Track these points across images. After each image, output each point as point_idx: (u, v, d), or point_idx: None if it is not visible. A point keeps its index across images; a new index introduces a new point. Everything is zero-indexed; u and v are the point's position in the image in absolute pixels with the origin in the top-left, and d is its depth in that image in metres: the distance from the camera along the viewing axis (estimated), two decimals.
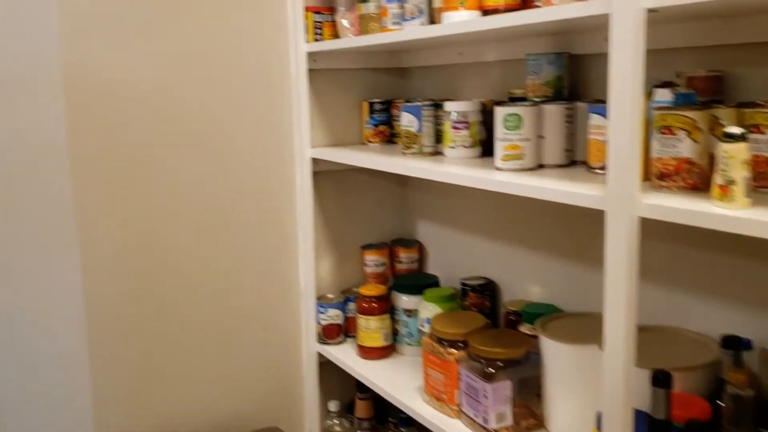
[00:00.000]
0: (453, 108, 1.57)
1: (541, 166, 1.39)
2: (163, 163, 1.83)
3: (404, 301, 1.88)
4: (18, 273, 1.81)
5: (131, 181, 1.80)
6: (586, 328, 1.41)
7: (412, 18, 1.58)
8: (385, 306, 1.89)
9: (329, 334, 2.00)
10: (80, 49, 1.69)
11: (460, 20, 1.40)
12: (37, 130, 1.74)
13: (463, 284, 1.82)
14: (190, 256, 1.90)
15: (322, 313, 2.00)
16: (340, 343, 2.01)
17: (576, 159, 1.42)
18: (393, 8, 1.64)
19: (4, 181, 1.81)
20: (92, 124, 1.74)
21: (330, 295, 2.03)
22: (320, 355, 2.02)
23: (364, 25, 1.76)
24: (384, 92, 2.06)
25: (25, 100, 1.73)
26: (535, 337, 1.46)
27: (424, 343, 1.62)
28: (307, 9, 1.90)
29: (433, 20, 1.57)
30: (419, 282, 1.91)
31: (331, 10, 1.91)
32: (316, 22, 1.91)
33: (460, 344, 1.53)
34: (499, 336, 1.52)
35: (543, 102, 1.42)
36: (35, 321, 1.81)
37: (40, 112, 1.72)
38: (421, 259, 2.10)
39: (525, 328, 1.57)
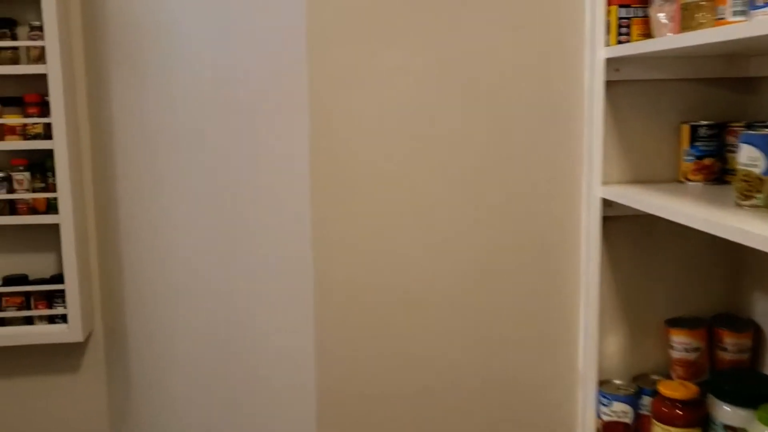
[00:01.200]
0: None
1: None
2: (413, 199, 1.58)
3: (726, 412, 1.37)
4: (253, 298, 1.72)
5: (374, 216, 1.57)
6: None
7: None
8: (695, 415, 1.40)
9: None
10: (327, 63, 1.51)
11: None
12: (281, 150, 1.62)
13: None
14: (437, 312, 1.61)
15: (604, 405, 1.57)
16: None
17: None
18: None
19: (247, 206, 1.73)
20: (335, 146, 1.55)
21: (617, 382, 1.60)
22: None
23: (688, 19, 1.30)
24: (715, 112, 1.56)
25: (270, 119, 1.62)
26: None
27: None
28: (610, 2, 1.50)
29: None
30: (752, 387, 1.38)
31: (644, 1, 1.49)
32: (621, 18, 1.50)
33: None
34: None
35: None
36: (265, 347, 1.70)
37: (284, 131, 1.59)
38: (757, 351, 1.54)
39: None
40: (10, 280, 2.01)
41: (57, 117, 1.89)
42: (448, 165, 1.57)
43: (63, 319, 2.01)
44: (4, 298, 1.99)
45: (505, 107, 1.58)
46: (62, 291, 1.98)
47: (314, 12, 1.49)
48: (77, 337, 1.99)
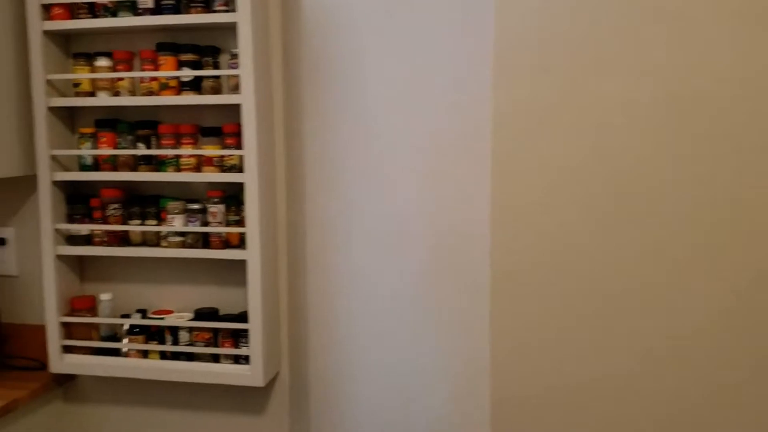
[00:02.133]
0: None
1: None
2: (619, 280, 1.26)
3: None
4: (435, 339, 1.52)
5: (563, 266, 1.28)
6: None
7: None
8: None
9: None
10: (514, 96, 1.25)
11: None
12: (462, 194, 1.40)
13: None
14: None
15: None
16: None
17: None
18: None
19: (429, 246, 1.53)
20: (518, 187, 1.28)
21: None
22: None
23: None
24: None
25: (454, 158, 1.41)
26: None
27: None
28: None
29: None
30: None
31: None
32: None
33: None
34: None
35: None
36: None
37: (467, 174, 1.37)
38: None
39: None
40: (201, 315, 2.00)
41: (249, 149, 1.83)
42: (672, 228, 1.23)
43: (247, 360, 1.95)
44: (193, 333, 1.99)
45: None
46: (247, 330, 1.93)
47: (502, 38, 1.24)
48: (258, 381, 1.91)
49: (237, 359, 1.97)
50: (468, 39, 1.39)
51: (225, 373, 1.95)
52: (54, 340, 2.02)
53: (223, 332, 1.97)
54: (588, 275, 1.37)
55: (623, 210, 1.29)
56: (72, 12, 1.93)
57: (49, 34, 1.93)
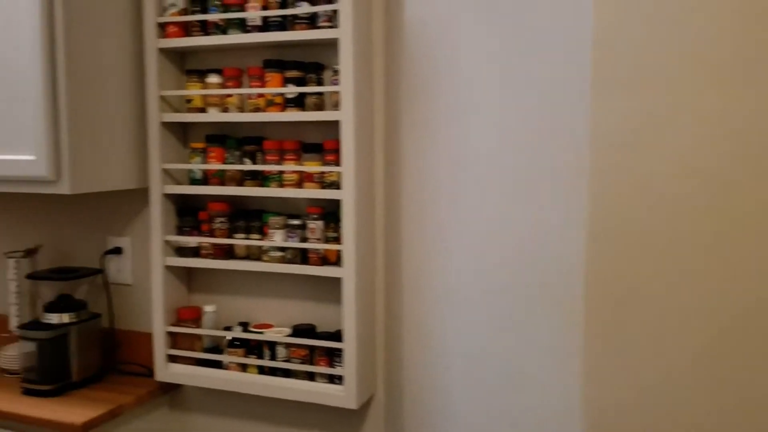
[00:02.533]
0: None
1: None
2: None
3: None
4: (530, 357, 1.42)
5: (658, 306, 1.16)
6: None
7: None
8: None
9: None
10: (613, 114, 1.15)
11: None
12: (557, 214, 1.30)
13: None
14: None
15: None
16: None
17: None
18: None
19: (524, 266, 1.45)
20: (620, 214, 1.17)
21: None
22: None
23: None
24: None
25: (548, 182, 1.31)
26: None
27: None
28: None
29: None
30: None
31: None
32: None
33: None
34: None
35: None
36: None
37: (561, 197, 1.27)
38: None
39: None
40: (298, 331, 2.00)
41: (346, 166, 1.81)
42: None
43: (341, 380, 1.92)
44: (290, 349, 1.99)
45: None
46: (341, 350, 1.90)
47: (601, 51, 1.15)
48: (350, 403, 1.88)
49: (332, 378, 1.95)
50: (566, 51, 1.30)
51: (319, 392, 1.93)
52: (160, 348, 2.08)
53: (319, 350, 1.96)
54: (691, 298, 1.24)
55: (727, 225, 1.16)
56: (186, 30, 2.00)
57: (164, 52, 2.01)
